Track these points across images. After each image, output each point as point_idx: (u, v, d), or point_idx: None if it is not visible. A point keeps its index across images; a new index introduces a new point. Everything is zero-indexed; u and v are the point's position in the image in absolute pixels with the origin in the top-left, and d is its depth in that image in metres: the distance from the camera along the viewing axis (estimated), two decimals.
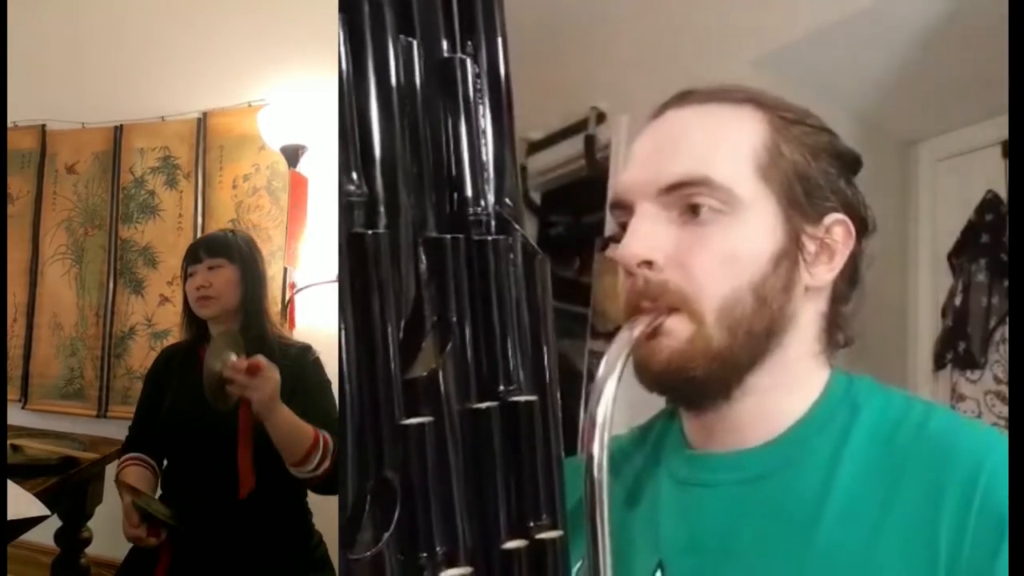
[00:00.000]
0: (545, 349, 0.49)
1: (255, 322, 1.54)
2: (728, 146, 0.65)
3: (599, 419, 0.57)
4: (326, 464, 1.38)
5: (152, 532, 1.44)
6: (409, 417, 0.43)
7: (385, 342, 0.41)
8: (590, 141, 2.06)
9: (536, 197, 2.31)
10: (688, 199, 0.63)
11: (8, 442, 1.84)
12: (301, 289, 2.16)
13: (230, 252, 1.57)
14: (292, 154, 2.26)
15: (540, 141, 2.18)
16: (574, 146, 2.11)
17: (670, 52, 1.86)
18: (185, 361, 1.61)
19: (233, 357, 1.35)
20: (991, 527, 0.54)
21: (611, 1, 1.94)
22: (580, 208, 2.31)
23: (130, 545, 1.59)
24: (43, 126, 2.84)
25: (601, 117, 2.04)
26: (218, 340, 1.43)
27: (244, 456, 1.39)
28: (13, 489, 1.46)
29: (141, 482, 1.52)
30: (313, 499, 1.58)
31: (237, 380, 1.30)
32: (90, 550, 2.07)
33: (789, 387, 0.67)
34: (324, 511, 1.57)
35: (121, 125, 2.74)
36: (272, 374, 1.31)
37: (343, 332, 0.40)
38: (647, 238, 0.64)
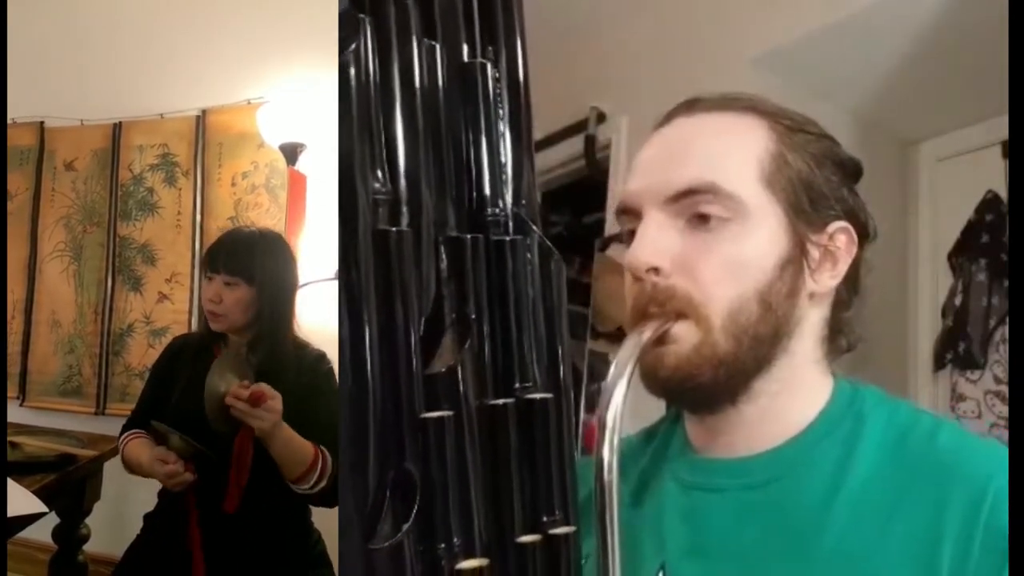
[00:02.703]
0: (560, 348, 0.49)
1: (267, 337, 1.51)
2: (735, 154, 0.65)
3: (609, 423, 0.57)
4: (323, 483, 1.39)
5: (187, 467, 1.43)
6: (429, 411, 0.43)
7: (407, 338, 0.42)
8: (590, 141, 2.06)
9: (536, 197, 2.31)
10: (696, 206, 0.64)
11: (6, 439, 1.84)
12: (301, 286, 2.16)
13: (250, 271, 1.48)
14: (291, 152, 2.26)
15: (540, 141, 2.19)
16: (574, 146, 2.11)
17: (670, 52, 1.87)
18: (196, 356, 1.59)
19: (235, 382, 1.34)
20: (997, 544, 0.55)
21: (611, 2, 1.94)
22: (580, 208, 2.31)
23: (127, 543, 1.59)
24: (42, 123, 2.83)
25: (601, 117, 2.05)
26: (223, 361, 1.41)
27: (236, 479, 1.39)
28: (11, 486, 1.46)
29: (147, 451, 1.51)
30: None
31: (239, 408, 1.30)
32: (88, 547, 2.07)
33: (793, 392, 0.67)
34: (324, 509, 1.57)
35: (120, 122, 2.73)
36: (275, 404, 1.31)
37: (368, 328, 0.40)
38: (655, 244, 0.64)
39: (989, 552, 0.55)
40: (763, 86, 1.72)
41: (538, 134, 2.21)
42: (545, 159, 2.19)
